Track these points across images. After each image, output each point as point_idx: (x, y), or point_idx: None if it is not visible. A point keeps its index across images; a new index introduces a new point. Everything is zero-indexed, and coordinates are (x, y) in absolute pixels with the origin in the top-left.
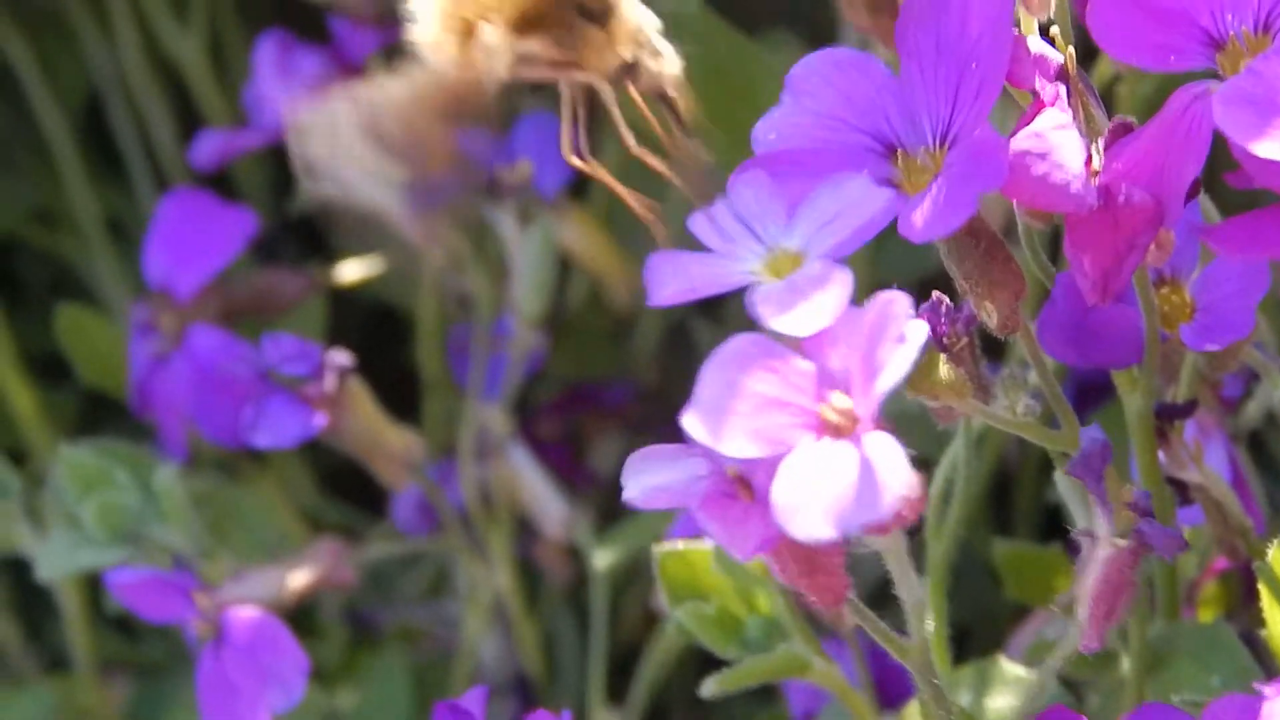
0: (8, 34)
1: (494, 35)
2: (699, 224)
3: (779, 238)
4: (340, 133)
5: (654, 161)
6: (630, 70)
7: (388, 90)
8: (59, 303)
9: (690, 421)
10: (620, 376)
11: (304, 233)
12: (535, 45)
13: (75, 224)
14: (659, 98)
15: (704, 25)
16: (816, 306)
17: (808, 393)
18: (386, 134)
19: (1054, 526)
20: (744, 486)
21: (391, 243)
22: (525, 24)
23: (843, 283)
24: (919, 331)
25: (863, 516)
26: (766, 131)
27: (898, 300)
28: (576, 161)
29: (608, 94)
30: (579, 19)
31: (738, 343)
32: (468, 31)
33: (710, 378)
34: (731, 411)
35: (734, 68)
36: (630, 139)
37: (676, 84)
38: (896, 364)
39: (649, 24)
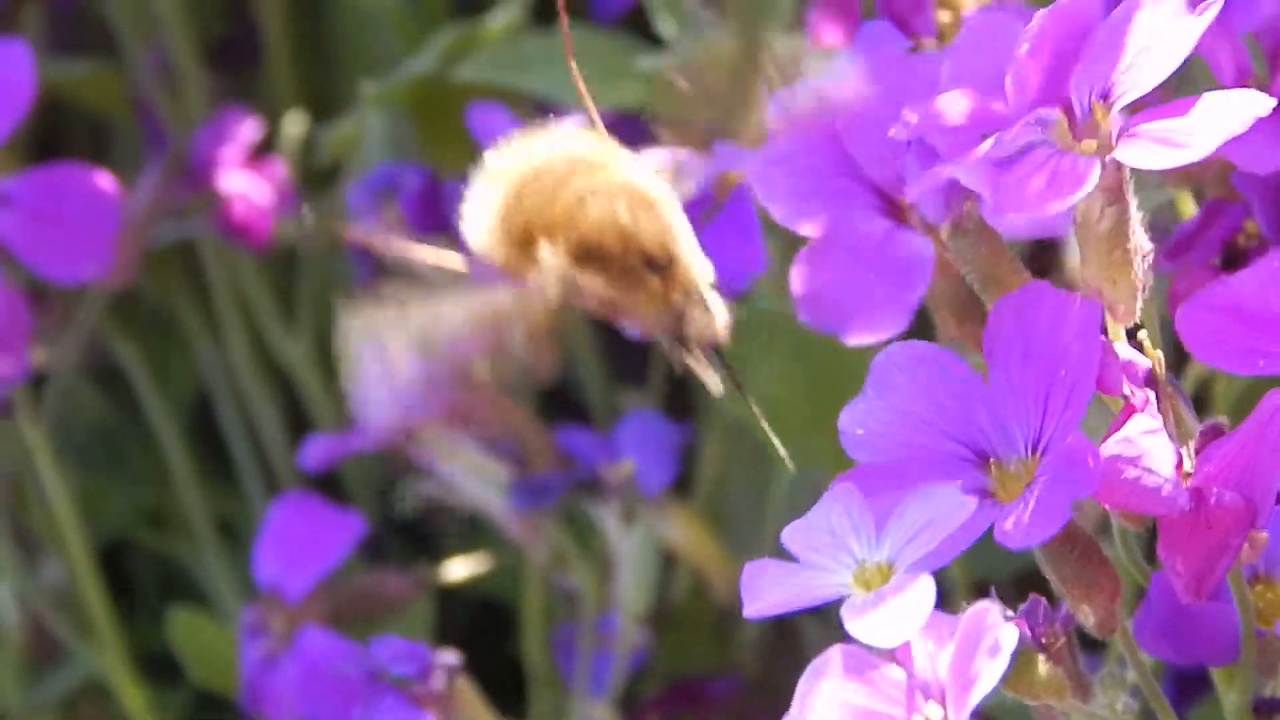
0: (119, 336)
1: (554, 256)
2: (792, 537)
3: (869, 551)
4: (390, 352)
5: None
6: (680, 319)
7: (440, 310)
8: (169, 602)
9: None
10: (724, 670)
11: (410, 531)
12: (592, 279)
13: (185, 524)
14: (704, 350)
15: (802, 327)
16: (902, 618)
17: (900, 703)
18: (437, 356)
19: None
20: None
21: (497, 540)
22: (588, 256)
23: (927, 594)
24: (1011, 640)
25: None
26: (853, 425)
27: (990, 612)
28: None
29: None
30: (642, 264)
31: (832, 654)
32: (527, 243)
33: (806, 689)
34: None
35: (833, 369)
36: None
37: (722, 339)
38: (989, 675)
39: (704, 277)
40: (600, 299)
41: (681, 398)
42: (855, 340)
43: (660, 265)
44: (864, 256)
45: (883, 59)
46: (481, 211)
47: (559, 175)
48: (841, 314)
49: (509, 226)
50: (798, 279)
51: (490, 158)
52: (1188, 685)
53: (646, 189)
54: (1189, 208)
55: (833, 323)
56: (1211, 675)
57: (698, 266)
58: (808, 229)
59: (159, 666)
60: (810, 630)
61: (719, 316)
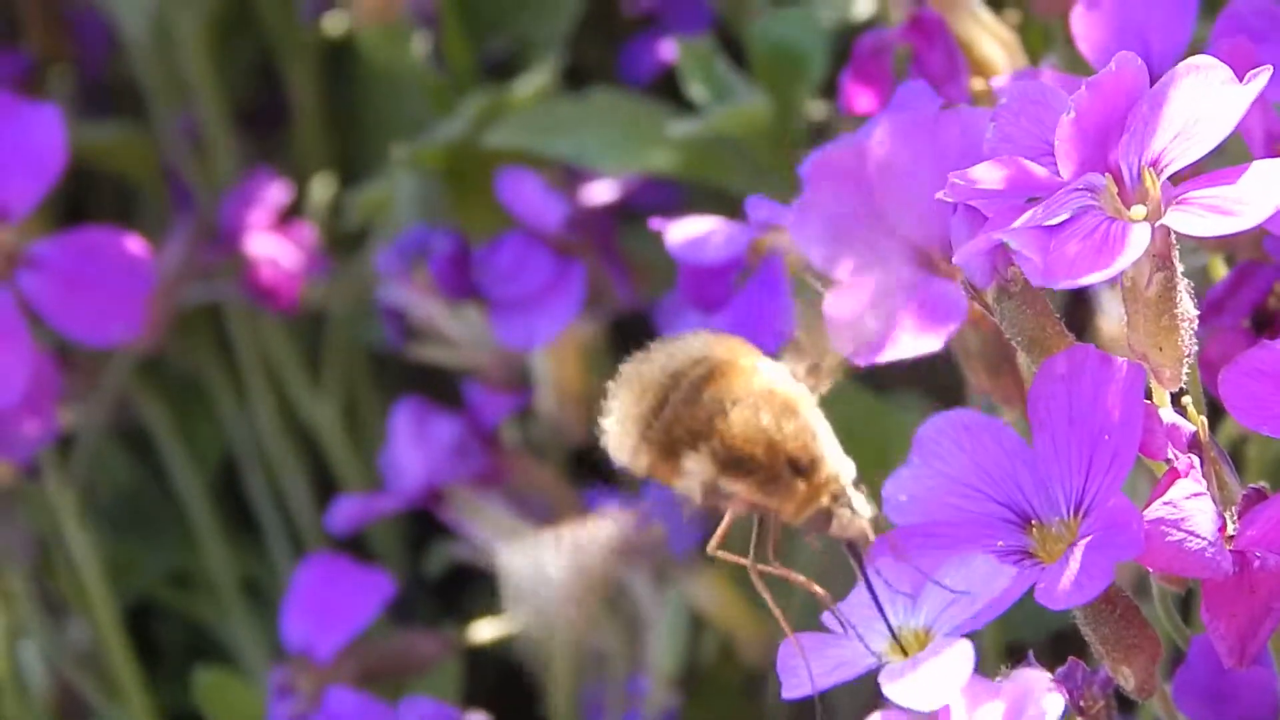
0: (146, 398)
1: (700, 465)
2: (829, 617)
3: (905, 618)
4: (547, 575)
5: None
6: (826, 519)
7: (595, 534)
8: (196, 664)
9: None
10: None
11: (439, 592)
12: (737, 484)
13: (212, 586)
14: (846, 545)
15: (833, 386)
16: (941, 680)
17: None
18: (592, 578)
19: None
20: None
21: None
22: (734, 464)
23: (965, 657)
24: (1056, 707)
25: None
26: (896, 492)
27: (1036, 677)
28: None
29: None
30: (788, 470)
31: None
32: (670, 451)
33: None
34: None
35: (864, 428)
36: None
37: (865, 535)
38: None
39: (847, 475)
40: (746, 503)
41: None
42: (882, 360)
43: (804, 469)
44: (899, 292)
45: (917, 118)
46: (622, 420)
47: (698, 383)
48: (874, 342)
49: (651, 435)
50: (832, 307)
51: (627, 366)
52: None
53: (786, 393)
54: (1220, 271)
55: (864, 349)
56: None
57: (840, 466)
58: (842, 270)
59: None
60: (839, 693)
61: (864, 513)
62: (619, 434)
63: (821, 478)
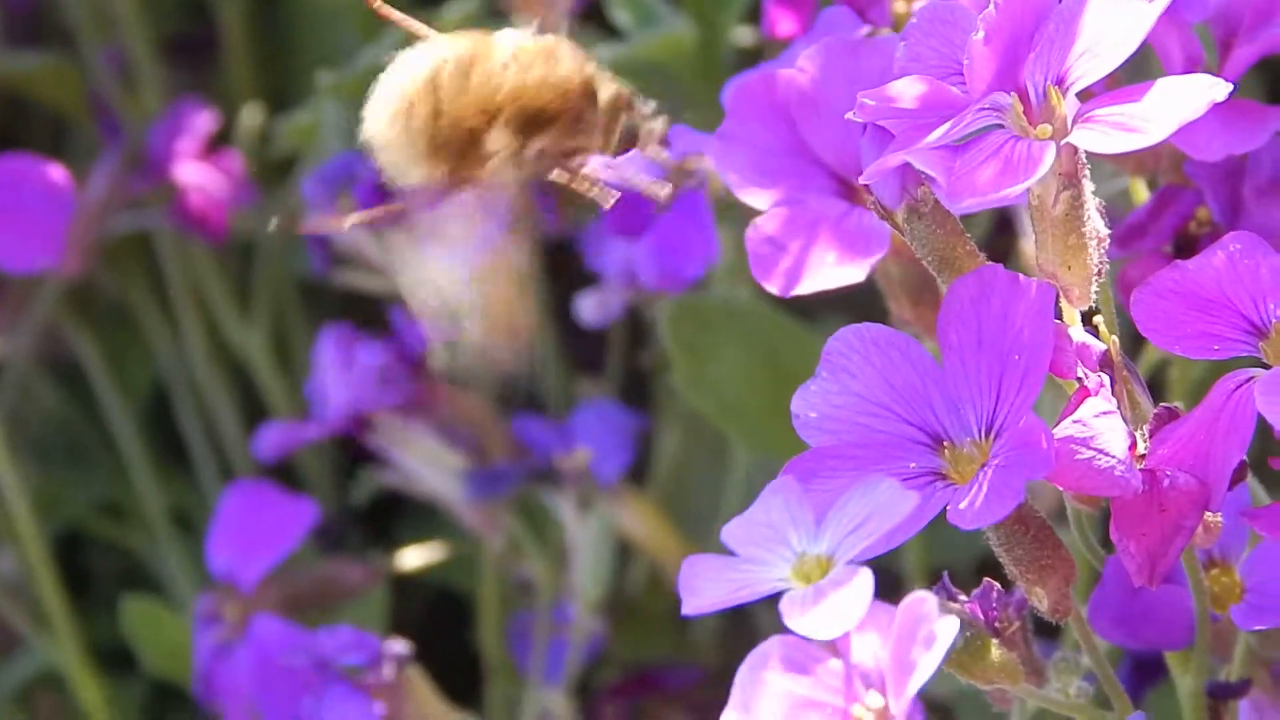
0: (75, 328)
1: (502, 137)
2: (732, 531)
3: (808, 543)
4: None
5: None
6: (631, 135)
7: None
8: (126, 594)
9: None
10: (681, 660)
11: (366, 520)
12: (544, 140)
13: (142, 516)
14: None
15: (757, 314)
16: (841, 610)
17: (840, 693)
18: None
19: None
20: None
21: (453, 530)
22: (532, 121)
23: (865, 586)
24: (949, 630)
25: None
26: (805, 408)
27: (926, 600)
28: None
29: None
30: (581, 102)
31: (771, 644)
32: (465, 144)
33: (746, 679)
34: (767, 713)
35: (789, 355)
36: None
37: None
38: (926, 664)
39: (631, 92)
40: (559, 154)
41: (638, 387)
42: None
43: (594, 94)
44: (821, 224)
45: (838, 44)
46: (402, 140)
47: (458, 74)
48: (794, 272)
49: (441, 136)
50: (752, 240)
51: (378, 85)
52: (1143, 671)
53: (538, 44)
54: (1142, 195)
55: (785, 280)
56: (1167, 660)
57: (617, 83)
58: (763, 200)
59: (115, 658)
60: (767, 621)
61: (657, 114)
62: (404, 155)
63: (610, 93)
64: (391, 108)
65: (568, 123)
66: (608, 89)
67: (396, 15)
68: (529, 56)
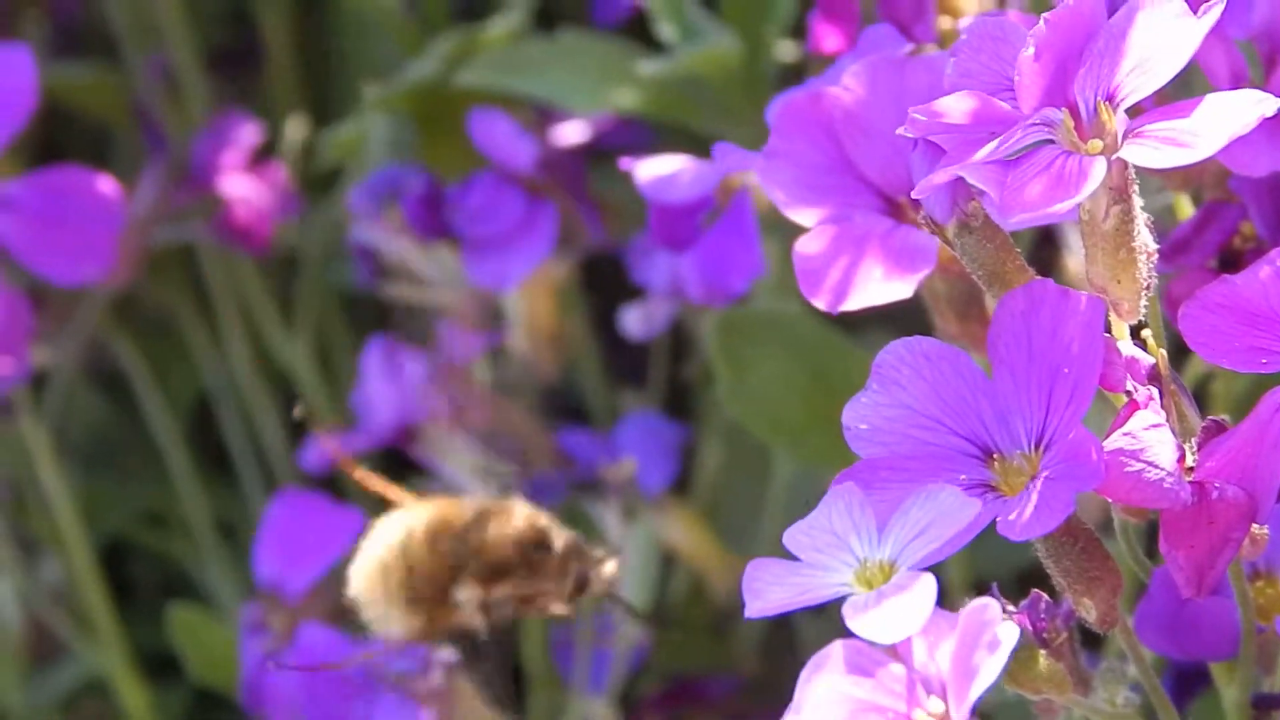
0: (119, 339)
1: (468, 590)
2: (793, 537)
3: (871, 549)
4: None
5: None
6: (585, 579)
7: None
8: (169, 603)
9: None
10: (723, 669)
11: None
12: (506, 588)
13: (185, 526)
14: (609, 597)
15: (803, 327)
16: (903, 615)
17: (901, 698)
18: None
19: None
20: None
21: None
22: (495, 573)
23: (928, 592)
24: (1011, 636)
25: None
26: (856, 420)
27: (990, 607)
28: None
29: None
30: (535, 552)
31: (834, 648)
32: (434, 600)
33: (806, 682)
34: (829, 715)
35: (833, 368)
36: None
37: (617, 582)
38: (989, 670)
39: (581, 540)
40: (519, 600)
41: (681, 399)
42: (850, 308)
43: (548, 545)
44: (867, 241)
45: (884, 62)
46: (384, 603)
47: (425, 539)
48: (841, 288)
49: (417, 594)
50: (799, 256)
51: (358, 553)
52: (1188, 681)
53: (486, 504)
54: (1186, 211)
55: (832, 296)
56: (1211, 671)
57: (569, 532)
58: (810, 218)
59: (159, 666)
60: (808, 630)
61: (609, 557)
62: (385, 610)
63: (562, 542)
64: (370, 571)
65: (525, 570)
66: (560, 537)
67: (378, 484)
68: (488, 516)
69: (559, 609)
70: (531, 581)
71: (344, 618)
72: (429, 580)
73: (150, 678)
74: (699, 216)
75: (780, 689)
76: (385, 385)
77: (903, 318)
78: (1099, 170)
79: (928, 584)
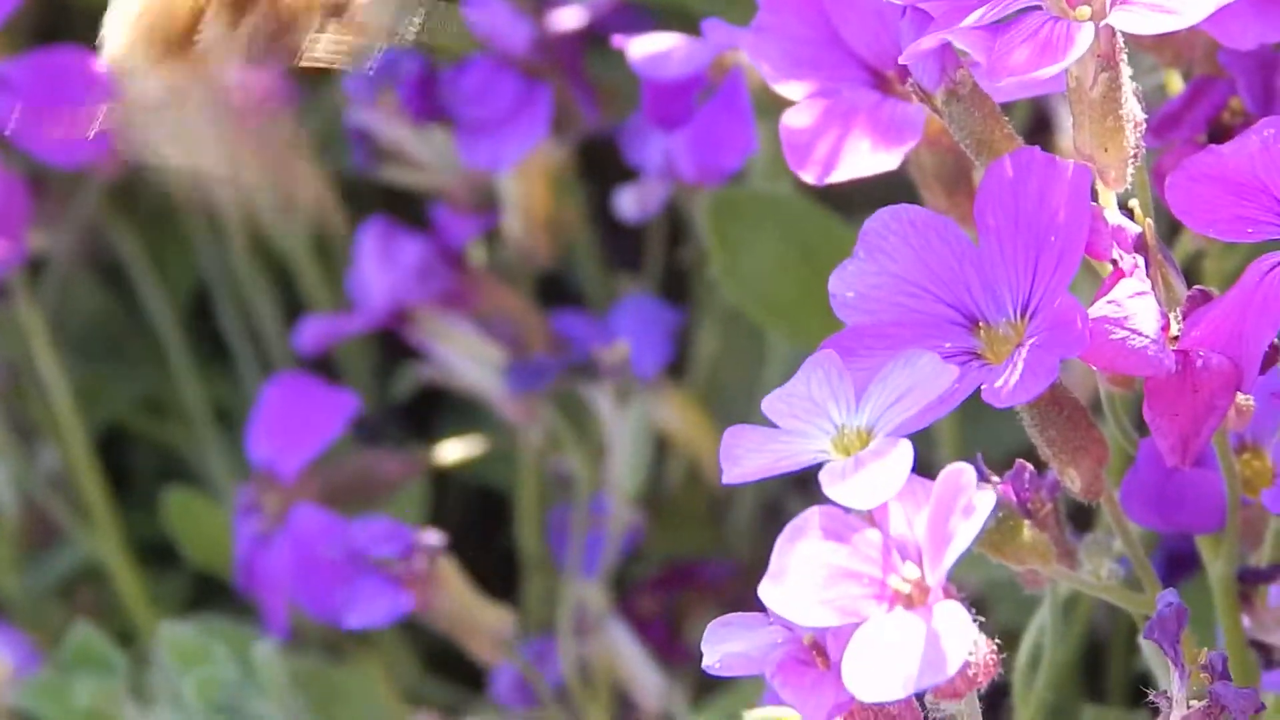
0: (118, 229)
1: (214, 26)
2: (772, 404)
3: (849, 416)
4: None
5: None
6: (339, 7)
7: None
8: (167, 489)
9: (766, 591)
10: (717, 554)
11: (406, 415)
12: (253, 20)
13: (183, 412)
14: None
15: (796, 207)
16: (880, 480)
17: (878, 564)
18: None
19: (1146, 695)
20: (820, 654)
21: (492, 425)
22: (237, 5)
23: (904, 458)
24: (987, 502)
25: (927, 682)
26: (843, 288)
27: (965, 471)
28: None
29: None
30: None
31: (810, 514)
32: (178, 44)
33: (784, 549)
34: (804, 582)
35: (826, 249)
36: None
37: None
38: (964, 535)
39: None
40: (272, 30)
41: (676, 282)
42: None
43: None
44: (855, 114)
45: None
46: (133, 47)
47: None
48: (829, 160)
49: (156, 38)
50: (787, 129)
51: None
52: (1177, 564)
53: None
54: (1178, 88)
55: (820, 169)
56: (1197, 544)
57: None
58: (798, 91)
59: (156, 552)
60: (798, 511)
61: None
62: (139, 61)
63: None
64: (127, 22)
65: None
66: None
67: None
68: None
69: (325, 48)
70: (278, 10)
71: (337, 499)
72: (174, 18)
73: (147, 565)
74: (692, 94)
75: None
76: (380, 268)
77: (895, 200)
78: (1086, 36)
79: (904, 450)
